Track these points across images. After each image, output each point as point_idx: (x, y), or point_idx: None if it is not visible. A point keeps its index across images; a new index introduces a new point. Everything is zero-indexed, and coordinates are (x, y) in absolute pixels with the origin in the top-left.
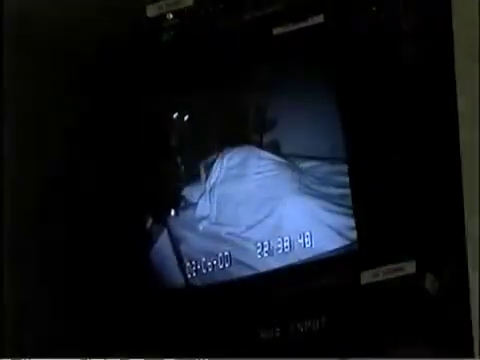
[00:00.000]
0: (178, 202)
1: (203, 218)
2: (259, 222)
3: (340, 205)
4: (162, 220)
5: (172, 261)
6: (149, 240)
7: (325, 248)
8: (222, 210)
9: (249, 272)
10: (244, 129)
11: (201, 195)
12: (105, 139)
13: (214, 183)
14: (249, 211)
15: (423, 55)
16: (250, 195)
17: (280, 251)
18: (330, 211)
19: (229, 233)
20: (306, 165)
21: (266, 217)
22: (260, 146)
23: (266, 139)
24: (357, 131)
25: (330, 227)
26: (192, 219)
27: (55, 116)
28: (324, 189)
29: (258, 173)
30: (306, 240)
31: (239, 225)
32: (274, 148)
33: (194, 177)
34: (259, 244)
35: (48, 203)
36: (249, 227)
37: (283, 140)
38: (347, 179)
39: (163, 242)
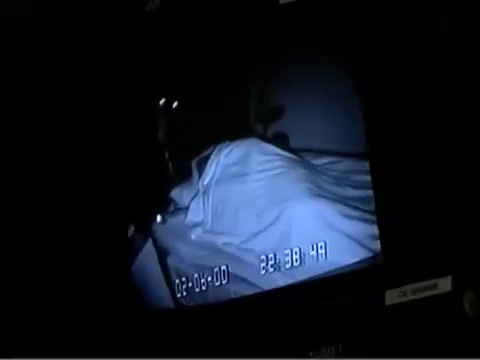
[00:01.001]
0: (165, 206)
1: (195, 225)
2: (263, 230)
3: (360, 209)
4: (146, 228)
5: (158, 277)
6: (130, 252)
7: (342, 261)
8: (218, 215)
9: (251, 290)
10: (245, 118)
11: (193, 197)
12: (73, 127)
13: (209, 183)
14: (251, 217)
15: (457, 29)
16: (252, 197)
17: (288, 265)
18: (348, 217)
19: (227, 243)
20: (320, 161)
21: (271, 224)
22: (264, 138)
23: (271, 130)
24: (381, 120)
25: (348, 236)
26: (182, 226)
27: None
28: (341, 190)
29: (262, 171)
30: (320, 252)
31: (239, 234)
32: (281, 141)
33: (185, 176)
34: (263, 257)
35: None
36: (251, 236)
37: (292, 131)
38: (369, 178)
39: (147, 254)
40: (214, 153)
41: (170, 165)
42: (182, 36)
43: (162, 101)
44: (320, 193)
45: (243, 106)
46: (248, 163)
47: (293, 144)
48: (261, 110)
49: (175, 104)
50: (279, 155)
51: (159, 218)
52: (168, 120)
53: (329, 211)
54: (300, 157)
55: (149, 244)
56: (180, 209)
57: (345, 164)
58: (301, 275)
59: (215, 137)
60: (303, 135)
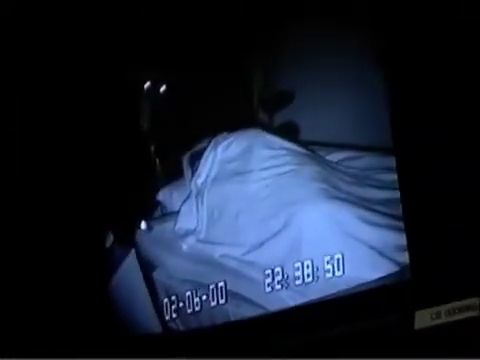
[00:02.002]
0: (151, 210)
1: (187, 233)
2: (268, 239)
3: (385, 214)
4: (127, 236)
5: (142, 296)
6: (108, 266)
7: (363, 277)
8: (215, 222)
9: (253, 311)
10: (246, 105)
11: (184, 200)
12: (37, 112)
13: (203, 183)
14: (253, 223)
15: None
16: (255, 200)
17: (298, 282)
18: (370, 223)
19: (225, 255)
20: (336, 157)
21: (278, 232)
22: (269, 129)
23: (278, 119)
24: (411, 108)
25: (370, 246)
26: (171, 235)
27: None
28: (362, 191)
29: (266, 168)
30: (336, 265)
31: (239, 244)
32: (290, 132)
33: (174, 174)
34: (268, 271)
35: None
36: (254, 247)
37: (303, 121)
38: (395, 177)
39: (129, 268)
40: (210, 147)
41: (156, 161)
42: (169, 5)
43: (147, 85)
44: (336, 195)
45: (244, 90)
46: (250, 159)
47: (304, 136)
48: (266, 95)
49: (163, 87)
50: (287, 149)
51: (143, 225)
52: (154, 106)
53: (347, 216)
54: (312, 152)
55: (131, 256)
56: (169, 214)
57: (366, 160)
58: (314, 293)
59: (211, 127)
60: (316, 125)
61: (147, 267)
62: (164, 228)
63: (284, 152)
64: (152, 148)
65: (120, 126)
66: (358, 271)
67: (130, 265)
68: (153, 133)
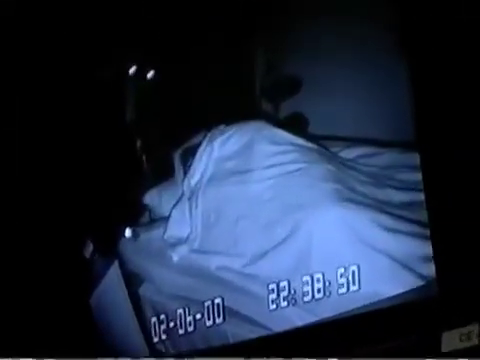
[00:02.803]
0: (137, 215)
1: (179, 242)
2: (272, 249)
3: (407, 220)
4: (110, 246)
5: (127, 314)
6: (88, 279)
7: (382, 292)
8: (211, 229)
9: (255, 332)
10: (247, 93)
11: (176, 203)
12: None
13: (198, 183)
14: (256, 230)
15: None
16: (257, 203)
17: (307, 298)
18: (391, 230)
19: (222, 267)
20: (351, 154)
21: (284, 241)
22: (274, 121)
23: (284, 110)
24: (437, 98)
25: (391, 257)
26: (160, 244)
27: None
28: (381, 193)
29: (271, 167)
30: (351, 279)
31: (239, 254)
32: (298, 125)
33: (164, 173)
34: (272, 286)
35: None
36: (256, 257)
37: (312, 112)
38: (419, 177)
39: (112, 282)
40: (205, 142)
41: (143, 157)
42: None
43: (132, 70)
44: (351, 197)
45: (245, 76)
46: (252, 156)
47: (314, 129)
48: (270, 82)
49: (150, 73)
50: (294, 145)
51: (128, 232)
52: (141, 95)
53: (364, 222)
54: (323, 148)
55: (114, 269)
56: (157, 220)
57: (386, 157)
58: (325, 311)
59: (206, 119)
60: (328, 117)
61: (132, 281)
62: (152, 236)
63: (291, 148)
64: (138, 143)
65: (100, 117)
66: (376, 286)
67: (112, 279)
68: (139, 125)
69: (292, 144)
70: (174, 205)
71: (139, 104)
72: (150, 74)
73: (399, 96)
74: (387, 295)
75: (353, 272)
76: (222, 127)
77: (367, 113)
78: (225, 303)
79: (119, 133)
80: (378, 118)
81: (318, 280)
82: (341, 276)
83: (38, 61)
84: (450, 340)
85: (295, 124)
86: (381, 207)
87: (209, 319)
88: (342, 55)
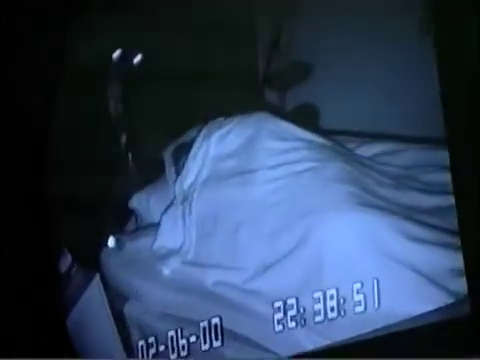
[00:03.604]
0: (121, 222)
1: (170, 253)
2: (278, 261)
3: (435, 228)
4: (90, 257)
5: (110, 336)
6: (65, 296)
7: (405, 311)
8: (207, 238)
9: (258, 356)
10: (249, 81)
11: (166, 209)
12: None
13: (192, 186)
14: (259, 239)
15: None
16: (261, 208)
17: (319, 318)
18: (415, 240)
19: (221, 282)
20: (369, 151)
21: (292, 251)
22: (280, 114)
23: (292, 100)
24: (469, 87)
25: (416, 270)
26: (149, 255)
27: None
28: (404, 197)
29: (276, 166)
30: (369, 296)
31: (240, 267)
32: (307, 118)
33: (152, 174)
34: (278, 304)
35: None
36: (259, 271)
37: (325, 103)
38: (448, 178)
39: (92, 299)
40: (200, 137)
41: (129, 155)
42: None
43: (116, 54)
44: (370, 201)
45: (246, 60)
46: (254, 153)
47: (326, 123)
48: (275, 68)
49: (137, 57)
50: (304, 140)
51: (111, 242)
52: (126, 83)
53: (384, 230)
54: (338, 144)
55: (95, 284)
56: (145, 227)
57: (410, 155)
58: (339, 333)
59: (201, 111)
60: (342, 109)
61: (116, 298)
62: (139, 246)
63: (299, 144)
64: (123, 138)
65: (79, 108)
66: (398, 304)
67: (93, 296)
68: (124, 118)
69: (301, 140)
70: (164, 210)
71: (125, 95)
72: (137, 60)
73: (425, 84)
74: (411, 314)
75: (372, 288)
76: (219, 120)
77: (388, 104)
78: (224, 324)
79: (102, 128)
80: (401, 110)
81: (331, 297)
82: (358, 292)
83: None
84: None
85: (304, 116)
86: (404, 213)
87: (205, 342)
88: (359, 35)
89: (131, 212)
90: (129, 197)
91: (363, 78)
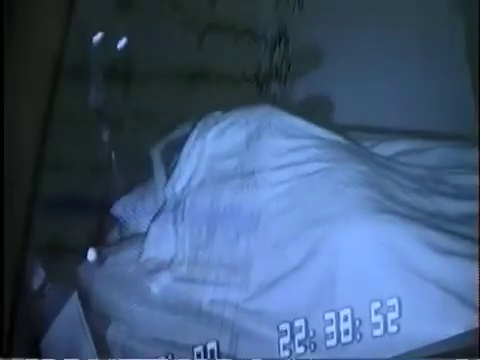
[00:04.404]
0: (102, 231)
1: (160, 267)
2: (284, 277)
3: (465, 238)
4: (66, 272)
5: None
6: (38, 317)
7: (431, 335)
8: (202, 249)
9: None
10: (250, 69)
11: (156, 216)
12: None
13: (185, 189)
14: (262, 252)
15: None
16: (265, 216)
17: (331, 342)
18: (443, 251)
19: (218, 301)
20: (389, 150)
21: (300, 266)
22: (287, 108)
23: (301, 92)
24: None
25: (443, 287)
26: (135, 269)
27: None
28: (429, 203)
29: (282, 167)
30: (389, 317)
31: (240, 283)
32: (318, 112)
33: (139, 175)
34: (284, 327)
35: None
36: (262, 288)
37: (338, 95)
38: None
39: (68, 320)
40: (194, 134)
41: (112, 155)
42: None
43: (98, 35)
44: (390, 208)
45: (247, 45)
46: (257, 152)
47: (340, 117)
48: (281, 54)
49: (122, 41)
50: (314, 138)
51: (91, 254)
52: (109, 70)
53: (407, 241)
54: (353, 142)
55: (72, 303)
56: (130, 237)
57: (436, 154)
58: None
59: (195, 103)
60: (359, 101)
61: (97, 320)
62: (123, 260)
63: (309, 142)
64: (105, 135)
65: (55, 98)
66: (423, 326)
67: (70, 317)
68: (107, 111)
69: (310, 137)
70: (153, 218)
71: (108, 84)
72: (121, 44)
73: (455, 74)
74: (437, 338)
75: (392, 307)
76: (216, 114)
77: (411, 96)
78: (221, 349)
79: (80, 122)
80: (427, 102)
81: (345, 318)
82: (376, 313)
83: None
84: None
85: (314, 110)
86: (430, 221)
87: None
88: (378, 17)
89: (113, 220)
90: (111, 202)
91: (382, 65)
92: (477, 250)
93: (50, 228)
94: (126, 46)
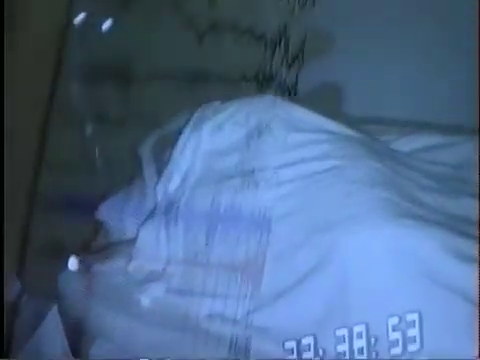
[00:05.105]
0: (84, 237)
1: (151, 277)
2: (291, 288)
3: None
4: (44, 283)
5: None
6: (14, 333)
7: (458, 352)
8: (198, 257)
9: None
10: (251, 53)
11: (146, 219)
12: None
13: (179, 189)
14: (266, 261)
15: None
16: (269, 220)
17: None
18: (470, 260)
19: (216, 316)
20: (408, 145)
21: (308, 276)
22: (293, 98)
23: (309, 80)
24: None
25: (471, 300)
26: (122, 280)
27: None
28: (454, 205)
29: (289, 165)
30: (409, 334)
31: (241, 296)
32: (329, 103)
33: (125, 174)
34: (291, 344)
35: None
36: (266, 301)
37: (352, 83)
38: None
39: (47, 337)
40: (189, 127)
41: (95, 151)
42: None
43: (80, 16)
44: (409, 210)
45: (247, 28)
46: (260, 148)
47: (353, 108)
48: (286, 38)
49: (106, 23)
50: (324, 131)
51: (72, 263)
52: (91, 55)
53: (429, 248)
54: (367, 136)
55: (51, 318)
56: (117, 244)
57: (462, 151)
58: None
59: (189, 92)
60: (374, 90)
61: (79, 336)
62: (109, 269)
63: (319, 137)
64: (87, 128)
65: (30, 87)
66: (448, 344)
67: (49, 333)
68: (88, 101)
69: (321, 131)
70: (143, 222)
71: (90, 71)
72: (106, 26)
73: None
74: (465, 357)
75: (412, 323)
76: (214, 105)
77: (434, 84)
78: None
79: (58, 112)
80: (452, 91)
81: (359, 335)
82: (394, 329)
83: None
84: None
85: (325, 100)
86: (455, 225)
87: None
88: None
89: (97, 224)
90: (94, 204)
91: (401, 49)
92: None
93: (25, 231)
94: (111, 30)
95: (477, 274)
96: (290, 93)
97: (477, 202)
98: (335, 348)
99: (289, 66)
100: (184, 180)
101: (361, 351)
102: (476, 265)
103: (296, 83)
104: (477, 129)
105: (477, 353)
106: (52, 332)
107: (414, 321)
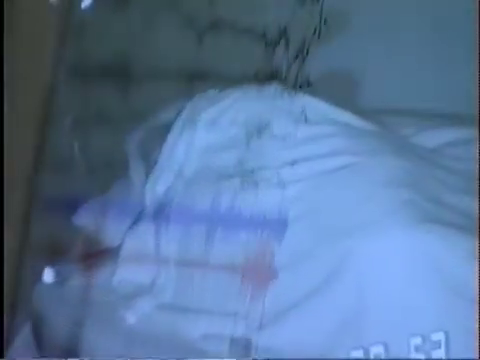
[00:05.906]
0: (62, 244)
1: (138, 292)
2: (300, 303)
3: None
4: (17, 298)
5: None
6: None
7: None
8: (192, 268)
9: None
10: (254, 37)
11: (132, 224)
12: None
13: (170, 190)
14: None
15: None
16: (272, 225)
17: None
18: None
19: (213, 336)
20: (433, 140)
21: (320, 289)
22: (301, 87)
23: (319, 66)
24: None
25: None
26: (107, 294)
27: None
28: None
29: (298, 162)
30: (435, 354)
31: (241, 312)
32: (342, 92)
33: (109, 172)
34: None
35: None
36: (271, 318)
37: (369, 70)
38: None
39: (20, 357)
40: (181, 119)
41: (75, 146)
42: None
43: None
44: (433, 213)
45: (248, 9)
46: (263, 143)
47: (370, 99)
48: (294, 20)
49: (85, 3)
50: (338, 124)
51: (48, 275)
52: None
53: (457, 257)
54: (387, 130)
55: (24, 336)
56: (99, 253)
57: None
58: None
59: (183, 79)
60: (394, 78)
61: (57, 357)
62: (91, 281)
63: (331, 130)
64: (67, 120)
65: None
66: None
67: (22, 353)
68: (70, 88)
69: (334, 123)
70: (129, 227)
71: (71, 54)
72: (86, 3)
73: None
74: None
75: (438, 343)
76: (211, 93)
77: (458, 73)
78: None
79: (37, 103)
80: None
81: (377, 357)
82: (417, 350)
83: None
84: None
85: (337, 89)
86: None
87: None
88: None
89: (76, 230)
90: (73, 207)
91: (424, 35)
92: None
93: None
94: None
95: None
96: (297, 83)
97: None
98: None
99: (296, 56)
100: (176, 179)
101: None
102: None
103: (301, 73)
104: None
105: None
106: (25, 354)
107: (440, 341)
